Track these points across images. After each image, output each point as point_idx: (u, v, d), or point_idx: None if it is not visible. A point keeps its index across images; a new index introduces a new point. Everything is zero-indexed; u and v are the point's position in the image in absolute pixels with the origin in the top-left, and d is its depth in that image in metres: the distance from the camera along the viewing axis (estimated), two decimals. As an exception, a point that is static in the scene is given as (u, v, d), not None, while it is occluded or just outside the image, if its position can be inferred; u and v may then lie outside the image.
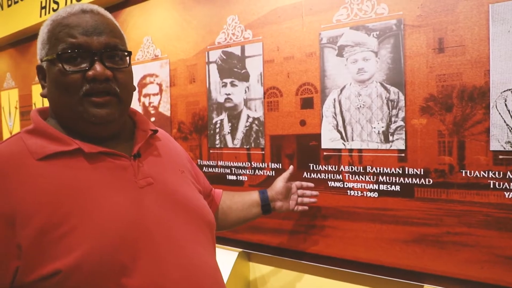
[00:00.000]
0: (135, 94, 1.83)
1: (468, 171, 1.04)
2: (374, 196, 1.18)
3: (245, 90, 1.45)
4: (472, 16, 1.02)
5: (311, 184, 1.24)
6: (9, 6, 2.44)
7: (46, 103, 2.27)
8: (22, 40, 2.56)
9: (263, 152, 1.41)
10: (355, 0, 1.20)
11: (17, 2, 2.37)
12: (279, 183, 1.18)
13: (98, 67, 0.67)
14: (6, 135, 2.82)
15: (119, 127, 0.77)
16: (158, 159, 0.82)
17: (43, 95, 0.74)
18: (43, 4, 2.15)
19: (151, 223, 0.70)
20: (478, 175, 1.03)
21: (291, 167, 1.23)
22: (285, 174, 1.20)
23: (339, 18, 1.23)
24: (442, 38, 1.07)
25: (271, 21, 1.38)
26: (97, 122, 0.69)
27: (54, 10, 2.07)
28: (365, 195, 1.20)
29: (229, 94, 1.50)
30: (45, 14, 2.14)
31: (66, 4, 2.00)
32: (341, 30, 1.22)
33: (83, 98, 0.68)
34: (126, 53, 0.74)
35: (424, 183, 1.10)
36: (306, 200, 1.21)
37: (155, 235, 0.69)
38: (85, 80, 0.67)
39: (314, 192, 1.23)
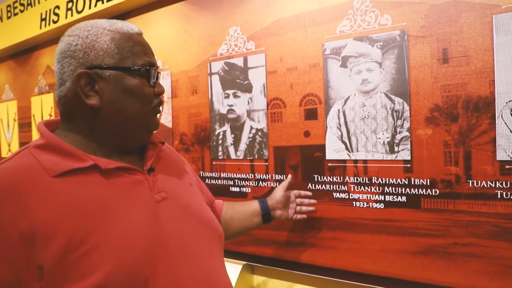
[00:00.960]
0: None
1: (475, 181, 1.04)
2: (380, 207, 1.18)
3: (248, 101, 1.45)
4: (476, 26, 1.03)
5: (309, 193, 1.26)
6: (8, 18, 2.44)
7: (46, 115, 2.25)
8: (22, 52, 2.55)
9: (267, 163, 1.40)
10: (358, 11, 1.20)
11: (17, 14, 2.37)
12: (279, 192, 1.19)
13: (161, 84, 0.79)
14: (4, 147, 2.80)
15: None
16: (168, 172, 0.82)
17: (92, 104, 0.69)
18: (43, 16, 2.15)
19: (168, 239, 0.70)
20: (485, 185, 1.02)
21: (290, 176, 1.26)
22: (284, 183, 1.22)
23: (342, 29, 1.23)
24: (446, 49, 1.07)
25: (274, 32, 1.38)
26: (154, 130, 0.79)
27: (54, 22, 2.08)
28: (371, 206, 1.19)
29: (231, 105, 1.49)
30: (45, 26, 2.14)
31: (66, 17, 2.00)
32: (345, 41, 1.23)
33: (151, 110, 0.76)
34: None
35: (430, 193, 1.10)
36: (304, 208, 1.23)
37: (172, 250, 0.69)
38: (154, 94, 0.76)
39: (312, 201, 1.25)
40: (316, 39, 1.28)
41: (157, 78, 0.77)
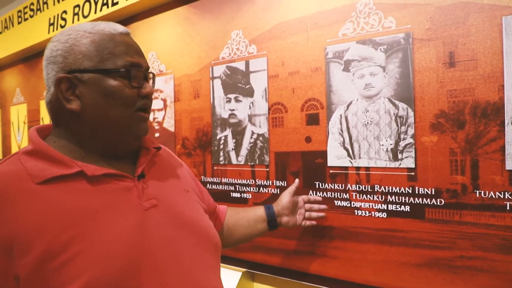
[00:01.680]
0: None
1: (482, 192, 0.98)
2: (382, 217, 1.13)
3: (250, 106, 1.42)
4: (484, 29, 0.98)
5: (319, 198, 1.22)
6: (19, 23, 2.48)
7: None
8: (31, 56, 2.59)
9: (268, 169, 1.37)
10: (361, 13, 1.16)
11: (27, 19, 2.40)
12: (285, 197, 1.14)
13: (149, 85, 0.74)
14: (14, 149, 2.84)
15: None
16: (162, 178, 0.79)
17: (73, 109, 0.67)
18: (51, 21, 2.17)
19: (156, 248, 0.67)
20: (493, 196, 0.97)
21: (297, 180, 1.21)
22: (291, 188, 1.17)
23: (345, 32, 1.20)
24: (453, 52, 1.02)
25: (276, 35, 1.35)
26: (142, 135, 0.75)
27: (62, 27, 2.09)
28: (373, 215, 1.15)
29: (233, 110, 1.47)
30: (53, 31, 2.16)
31: (73, 21, 2.02)
32: (347, 44, 1.19)
33: (135, 112, 0.72)
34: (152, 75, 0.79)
35: (435, 203, 1.05)
36: (314, 214, 1.18)
37: (160, 260, 0.66)
38: (139, 96, 0.72)
39: (323, 206, 1.20)
40: (318, 42, 1.25)
41: (146, 79, 0.75)
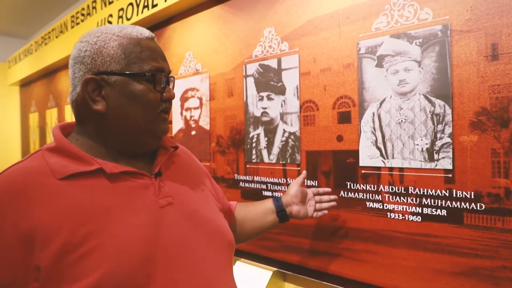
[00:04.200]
0: (178, 107, 1.87)
1: (529, 197, 0.90)
2: (417, 220, 1.07)
3: (281, 104, 1.40)
4: (532, 17, 0.89)
5: (328, 189, 1.18)
6: (72, 27, 2.65)
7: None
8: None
9: (299, 168, 1.35)
10: (395, 6, 1.10)
11: (78, 23, 2.56)
12: (293, 187, 1.12)
13: (171, 89, 0.78)
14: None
15: None
16: (178, 177, 0.81)
17: (99, 109, 0.70)
18: (99, 25, 2.29)
19: (169, 244, 0.68)
20: (542, 202, 0.88)
21: (304, 172, 1.17)
22: (299, 179, 1.14)
23: (378, 26, 1.14)
24: (496, 44, 0.94)
25: (308, 32, 1.32)
26: (162, 135, 0.78)
27: (108, 30, 2.21)
28: (406, 218, 1.09)
29: (265, 108, 1.46)
30: (101, 34, 2.29)
31: (118, 24, 2.12)
32: (381, 38, 1.13)
33: (159, 114, 0.75)
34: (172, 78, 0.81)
35: (474, 208, 0.97)
36: (325, 205, 1.14)
37: (173, 256, 0.68)
38: (161, 100, 0.75)
39: (333, 196, 1.17)
40: (351, 37, 1.20)
41: (168, 83, 0.76)
